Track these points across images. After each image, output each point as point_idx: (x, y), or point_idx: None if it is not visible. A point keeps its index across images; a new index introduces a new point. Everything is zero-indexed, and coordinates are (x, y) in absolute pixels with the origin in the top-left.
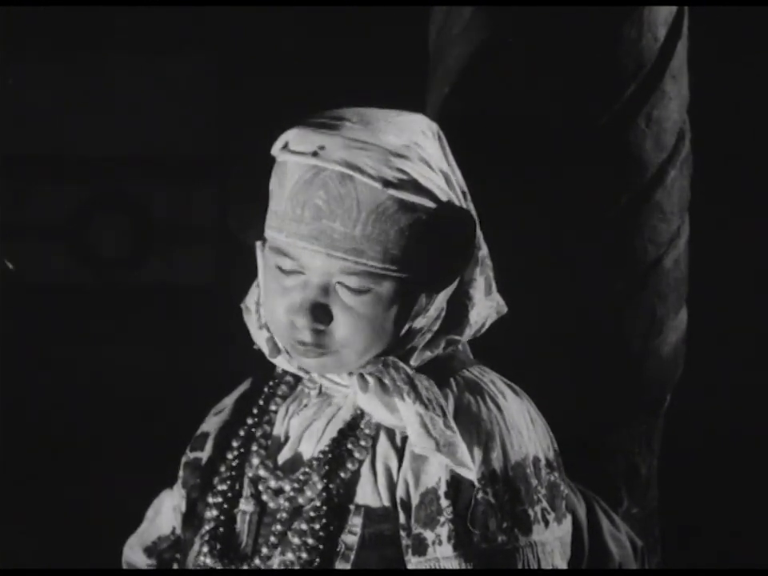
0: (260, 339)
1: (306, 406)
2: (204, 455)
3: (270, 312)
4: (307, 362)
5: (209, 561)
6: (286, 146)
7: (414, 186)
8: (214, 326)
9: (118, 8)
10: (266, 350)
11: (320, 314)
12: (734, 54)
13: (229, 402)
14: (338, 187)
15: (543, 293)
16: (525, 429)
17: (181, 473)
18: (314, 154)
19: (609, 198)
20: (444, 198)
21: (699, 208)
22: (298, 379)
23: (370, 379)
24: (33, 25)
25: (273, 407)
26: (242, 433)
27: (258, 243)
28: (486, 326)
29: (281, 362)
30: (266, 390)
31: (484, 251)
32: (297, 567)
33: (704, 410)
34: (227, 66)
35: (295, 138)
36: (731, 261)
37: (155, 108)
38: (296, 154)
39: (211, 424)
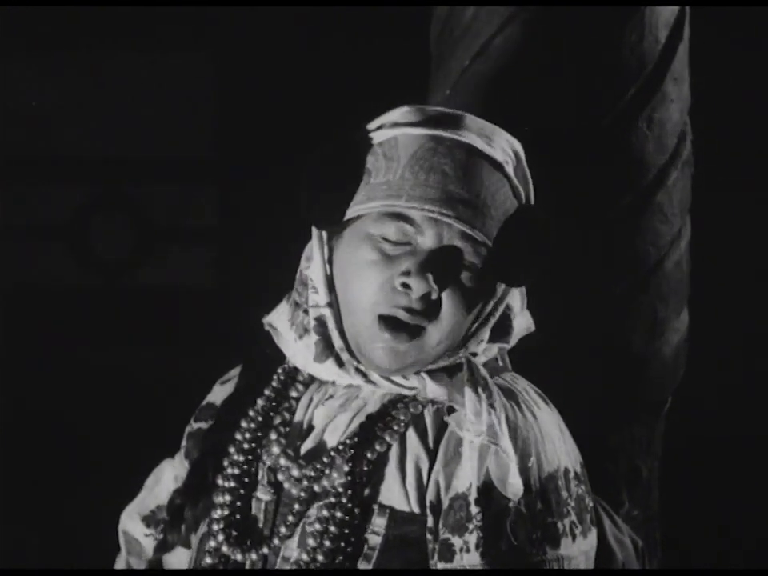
0: (302, 348)
1: (331, 396)
2: (208, 427)
3: (362, 282)
4: (379, 347)
5: (225, 549)
6: (392, 124)
7: (519, 172)
8: (213, 326)
9: (118, 8)
10: (310, 356)
11: (437, 280)
12: (735, 55)
13: (235, 373)
14: (465, 157)
15: (544, 295)
16: (557, 439)
17: (184, 443)
18: (435, 123)
19: (610, 200)
20: (532, 196)
21: (700, 210)
22: None
23: (442, 374)
24: (33, 25)
25: (294, 393)
26: (251, 413)
27: (318, 232)
28: (517, 339)
29: (327, 367)
30: (279, 371)
31: None
32: (319, 554)
33: (705, 411)
34: (227, 65)
35: (406, 114)
36: (732, 262)
37: (155, 108)
38: (414, 126)
39: (217, 395)
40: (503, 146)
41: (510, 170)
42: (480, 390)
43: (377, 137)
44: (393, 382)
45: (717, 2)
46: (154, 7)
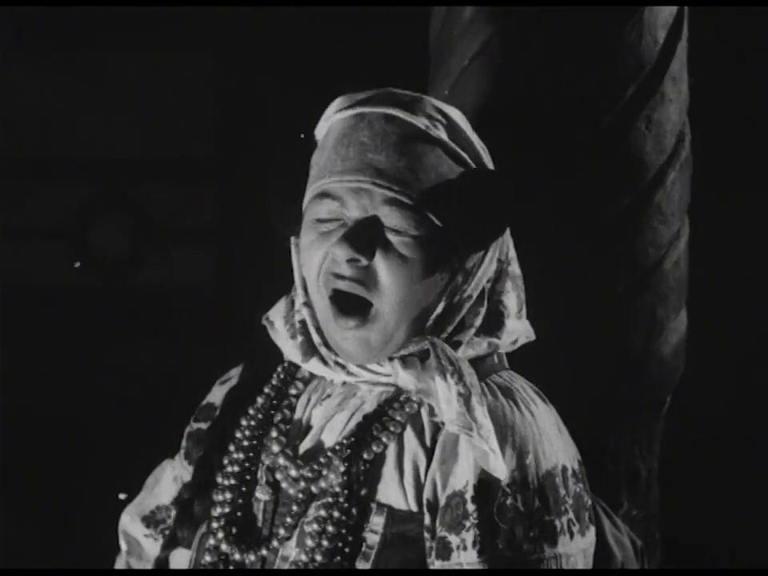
0: (292, 348)
1: (329, 396)
2: (209, 425)
3: (309, 265)
4: (345, 338)
5: (224, 547)
6: (330, 115)
7: (457, 135)
8: (213, 326)
9: (118, 8)
10: (299, 356)
11: (361, 245)
12: (733, 55)
13: (234, 373)
14: (383, 125)
15: (544, 295)
16: (555, 437)
17: (184, 443)
18: (360, 103)
19: (609, 200)
20: (484, 160)
21: (699, 210)
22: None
23: (414, 359)
24: (33, 25)
25: (293, 391)
26: (251, 411)
27: (294, 239)
28: (517, 346)
29: (313, 366)
30: (279, 370)
31: (516, 271)
32: (317, 554)
33: (704, 411)
34: (227, 65)
35: (338, 103)
36: (731, 262)
37: (155, 108)
38: (341, 110)
39: (216, 395)
40: (429, 112)
41: (439, 133)
42: (449, 376)
43: (319, 133)
44: (369, 370)
45: (715, 1)
46: (154, 8)
